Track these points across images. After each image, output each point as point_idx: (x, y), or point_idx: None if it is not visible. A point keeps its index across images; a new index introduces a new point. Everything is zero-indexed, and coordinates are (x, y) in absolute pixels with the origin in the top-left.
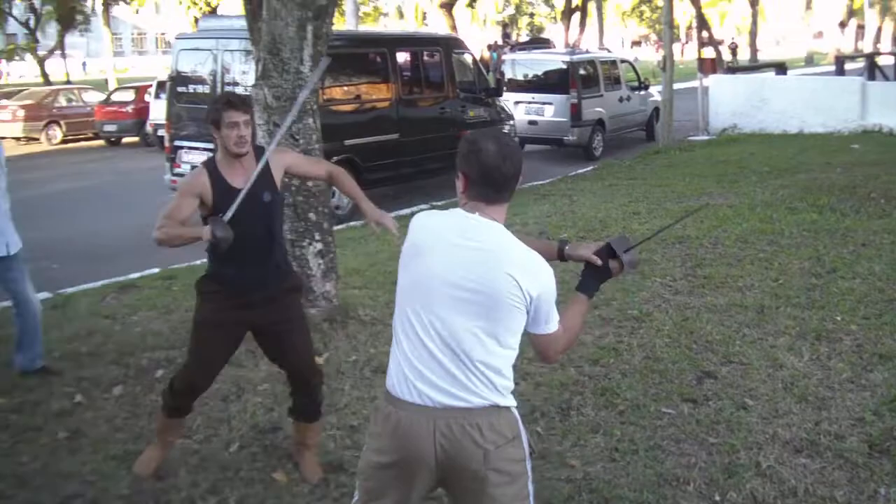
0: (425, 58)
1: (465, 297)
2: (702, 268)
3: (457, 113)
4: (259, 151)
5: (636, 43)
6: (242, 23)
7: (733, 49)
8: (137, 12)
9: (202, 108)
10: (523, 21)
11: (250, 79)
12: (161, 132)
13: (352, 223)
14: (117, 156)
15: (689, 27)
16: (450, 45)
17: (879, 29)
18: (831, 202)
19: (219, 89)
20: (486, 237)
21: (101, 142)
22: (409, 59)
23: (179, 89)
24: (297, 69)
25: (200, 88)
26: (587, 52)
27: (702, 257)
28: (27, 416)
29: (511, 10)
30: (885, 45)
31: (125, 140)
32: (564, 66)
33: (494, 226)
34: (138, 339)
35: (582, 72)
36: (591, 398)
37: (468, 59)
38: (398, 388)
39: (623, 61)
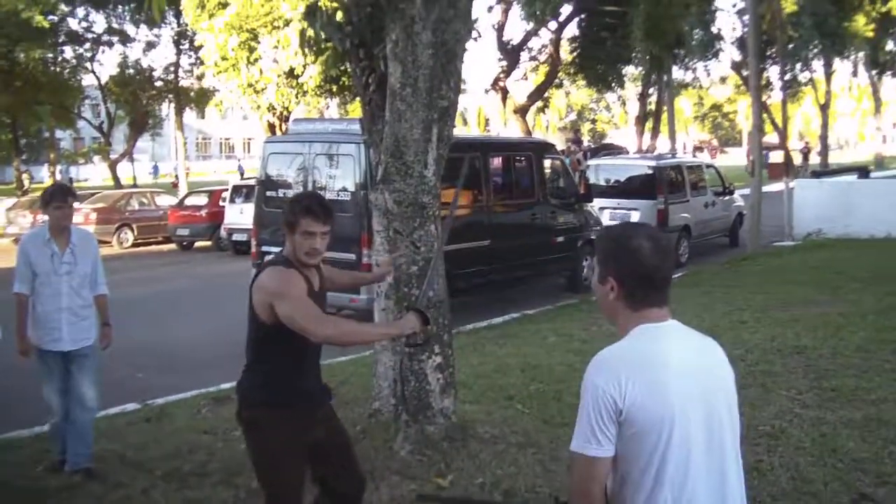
0: (517, 163)
1: (735, 422)
2: (826, 379)
3: (547, 219)
4: None
5: (697, 148)
6: (335, 126)
7: (805, 153)
8: (203, 117)
9: None
10: (585, 127)
11: (339, 183)
12: (236, 237)
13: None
14: (191, 260)
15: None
16: (541, 150)
17: None
18: None
19: None
20: (711, 349)
21: (172, 245)
22: (501, 163)
23: (268, 193)
24: (421, 173)
25: (290, 193)
26: (673, 156)
27: (824, 368)
28: None
29: (573, 117)
30: None
31: (198, 244)
32: (651, 172)
33: (696, 332)
34: (244, 457)
35: (668, 177)
36: None
37: (558, 164)
38: None
39: (709, 166)
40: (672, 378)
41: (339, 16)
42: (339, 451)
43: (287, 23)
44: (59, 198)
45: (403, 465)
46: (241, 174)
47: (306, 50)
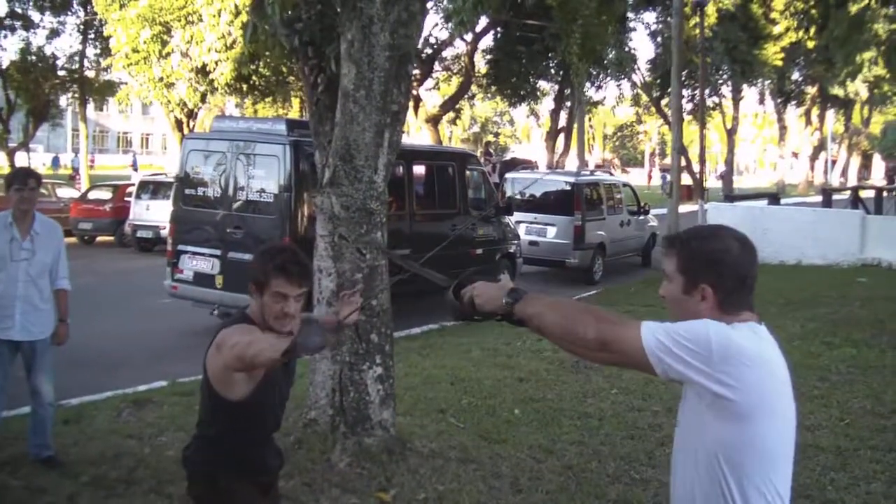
0: (440, 172)
1: None
2: None
3: (467, 230)
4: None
5: (599, 167)
6: (259, 125)
7: (722, 177)
8: (102, 110)
9: (210, 212)
10: (489, 140)
11: (260, 184)
12: (141, 233)
13: None
14: (93, 255)
15: (653, 153)
16: (463, 161)
17: (847, 163)
18: (865, 338)
19: (230, 193)
20: None
21: (73, 239)
22: (423, 172)
23: (187, 191)
24: (371, 178)
25: (209, 191)
26: (592, 173)
27: None
28: None
29: (476, 129)
30: (850, 179)
31: (99, 239)
32: (569, 188)
33: None
34: (174, 464)
35: (586, 194)
36: None
37: (479, 175)
38: None
39: (625, 185)
40: (786, 378)
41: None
42: None
43: (201, 18)
44: (20, 180)
45: (343, 478)
46: (135, 168)
47: (217, 46)
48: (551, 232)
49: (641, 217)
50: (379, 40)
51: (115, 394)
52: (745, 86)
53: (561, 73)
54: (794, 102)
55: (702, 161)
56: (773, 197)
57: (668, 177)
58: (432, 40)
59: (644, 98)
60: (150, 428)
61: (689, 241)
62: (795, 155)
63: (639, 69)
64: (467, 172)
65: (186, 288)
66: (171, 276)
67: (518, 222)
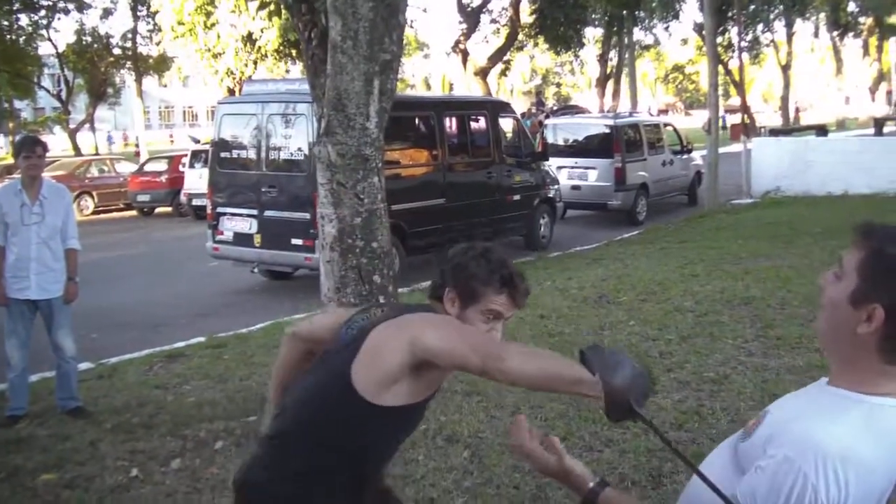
0: (472, 122)
1: None
2: (772, 328)
3: (503, 178)
4: None
5: (663, 111)
6: (288, 86)
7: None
8: (165, 86)
9: (245, 174)
10: (550, 90)
11: (294, 143)
12: (196, 202)
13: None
14: (151, 225)
15: None
16: (496, 109)
17: None
18: None
19: (263, 155)
20: None
21: (133, 212)
22: (455, 122)
23: (222, 155)
24: (363, 125)
25: (244, 154)
26: (630, 115)
27: (771, 318)
28: (81, 492)
29: (538, 81)
30: None
31: (158, 210)
32: (608, 130)
33: None
34: (193, 409)
35: (625, 136)
36: (682, 465)
37: (513, 123)
38: None
39: (666, 125)
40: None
41: None
42: None
43: None
44: (28, 148)
45: None
46: (196, 141)
47: (262, 14)
48: (592, 175)
49: (685, 156)
50: None
51: (152, 351)
52: (798, 20)
53: (606, 18)
54: (851, 34)
55: (742, 98)
56: (821, 130)
57: (728, 116)
58: None
59: (698, 40)
60: (176, 378)
61: (889, 241)
62: (872, 90)
63: (682, 10)
64: (501, 120)
65: (227, 248)
66: (213, 238)
67: (559, 167)
